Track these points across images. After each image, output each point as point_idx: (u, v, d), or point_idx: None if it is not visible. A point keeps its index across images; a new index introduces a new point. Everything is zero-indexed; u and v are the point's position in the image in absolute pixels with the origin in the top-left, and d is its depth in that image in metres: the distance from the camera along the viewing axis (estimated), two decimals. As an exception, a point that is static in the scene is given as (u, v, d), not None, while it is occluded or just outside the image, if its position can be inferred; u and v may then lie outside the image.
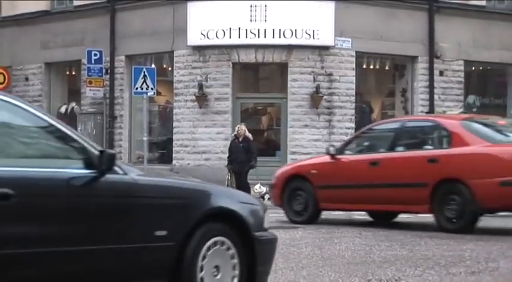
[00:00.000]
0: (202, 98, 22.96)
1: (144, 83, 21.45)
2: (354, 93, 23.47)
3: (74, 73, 26.93)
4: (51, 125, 5.54)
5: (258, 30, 22.73)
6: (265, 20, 22.68)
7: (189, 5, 23.14)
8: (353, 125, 23.08)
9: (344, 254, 9.92)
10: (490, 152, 12.83)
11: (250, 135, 20.19)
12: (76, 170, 5.48)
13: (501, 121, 15.32)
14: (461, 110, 24.64)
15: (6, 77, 24.49)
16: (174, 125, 23.58)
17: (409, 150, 13.85)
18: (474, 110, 25.51)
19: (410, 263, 9.09)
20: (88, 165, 5.50)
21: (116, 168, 5.63)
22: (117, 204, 5.67)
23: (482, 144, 12.93)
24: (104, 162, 5.48)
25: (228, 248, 6.12)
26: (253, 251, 6.24)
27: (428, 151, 13.57)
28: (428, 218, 15.29)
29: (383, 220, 14.53)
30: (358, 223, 14.29)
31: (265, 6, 22.70)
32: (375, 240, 11.46)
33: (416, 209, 13.58)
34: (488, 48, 25.18)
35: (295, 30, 22.68)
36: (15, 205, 5.06)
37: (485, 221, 14.41)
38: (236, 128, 20.68)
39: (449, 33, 24.47)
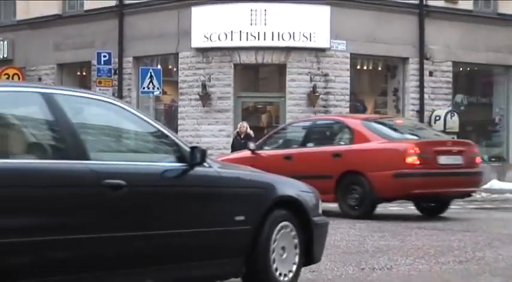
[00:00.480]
0: (205, 97, 22.96)
1: (151, 83, 21.44)
2: (349, 93, 23.45)
3: (84, 73, 26.93)
4: (152, 126, 6.07)
5: (258, 33, 22.71)
6: (265, 24, 22.66)
7: (193, 9, 23.13)
8: (348, 122, 23.04)
9: (339, 244, 9.92)
10: (386, 148, 13.69)
11: (251, 132, 20.20)
12: (171, 163, 5.95)
13: (398, 121, 16.38)
14: (450, 108, 24.67)
15: (21, 77, 24.45)
16: (178, 123, 23.57)
17: (317, 146, 14.53)
18: (462, 108, 25.55)
19: (402, 253, 9.09)
20: (180, 159, 5.97)
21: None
22: (204, 192, 6.15)
23: (380, 141, 13.80)
24: (196, 157, 5.95)
25: (292, 231, 6.63)
26: (311, 233, 6.78)
27: (334, 147, 14.37)
28: (416, 210, 15.31)
29: None
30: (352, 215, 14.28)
31: (265, 10, 22.68)
32: (368, 231, 11.46)
33: (323, 198, 14.18)
34: (475, 50, 25.18)
35: (293, 33, 22.67)
36: (126, 194, 5.47)
37: (472, 213, 14.42)
38: (238, 126, 20.71)
39: (439, 36, 24.46)
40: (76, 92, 5.87)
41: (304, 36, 22.71)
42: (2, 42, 27.84)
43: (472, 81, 27.01)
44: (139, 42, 24.21)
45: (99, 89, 23.99)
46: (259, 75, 24.96)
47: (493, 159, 26.32)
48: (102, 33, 25.01)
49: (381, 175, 13.28)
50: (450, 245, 9.90)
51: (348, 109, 23.32)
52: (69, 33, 25.95)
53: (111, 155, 5.79)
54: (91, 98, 5.93)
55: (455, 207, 16.95)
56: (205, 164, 6.06)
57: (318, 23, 22.84)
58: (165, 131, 6.08)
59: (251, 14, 22.68)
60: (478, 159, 14.48)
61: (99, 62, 23.80)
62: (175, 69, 24.32)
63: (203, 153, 5.98)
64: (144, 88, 21.54)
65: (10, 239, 4.86)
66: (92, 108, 5.87)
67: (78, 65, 26.87)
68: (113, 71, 24.13)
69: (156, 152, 6.18)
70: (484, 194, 21.72)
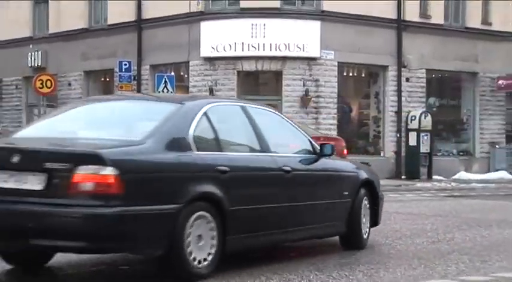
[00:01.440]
0: (212, 100, 22.91)
1: (165, 88, 21.45)
2: (336, 96, 23.43)
3: (108, 79, 26.91)
4: (296, 129, 7.51)
5: (258, 44, 22.70)
6: (264, 36, 22.65)
7: (202, 24, 23.12)
8: (335, 122, 23.13)
9: (328, 227, 9.86)
10: None
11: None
12: (308, 155, 7.38)
13: None
14: (424, 109, 24.65)
15: (53, 82, 24.43)
16: (189, 122, 23.50)
17: None
18: (434, 109, 25.55)
19: (382, 235, 9.07)
20: (312, 152, 7.41)
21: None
22: (328, 175, 7.59)
23: None
24: (325, 151, 7.40)
25: (368, 204, 8.04)
26: (378, 204, 8.23)
27: None
28: (397, 197, 15.26)
29: None
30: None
31: (264, 24, 22.67)
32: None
33: None
34: (446, 59, 25.17)
35: (288, 44, 22.65)
36: (291, 177, 6.91)
37: (443, 200, 14.40)
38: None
39: (414, 47, 24.45)
40: (255, 104, 7.25)
41: (298, 47, 22.69)
42: (37, 52, 27.85)
43: (443, 86, 26.98)
44: (155, 52, 24.20)
45: (121, 93, 23.98)
46: (259, 80, 24.93)
47: (461, 154, 26.33)
48: (123, 45, 25.00)
49: None
50: (424, 228, 9.90)
51: (336, 110, 23.33)
52: (95, 44, 25.95)
53: (278, 149, 7.00)
54: (263, 109, 7.34)
55: (429, 195, 16.95)
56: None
57: (309, 36, 22.81)
58: (304, 132, 7.56)
59: (252, 28, 22.66)
60: (344, 152, 16.04)
61: (120, 70, 23.81)
62: (186, 75, 24.30)
63: (333, 148, 7.41)
64: (159, 92, 21.51)
65: (247, 206, 6.34)
66: (264, 116, 7.18)
67: (102, 72, 26.85)
68: (132, 77, 24.12)
69: (299, 146, 7.41)
70: (453, 184, 21.75)
